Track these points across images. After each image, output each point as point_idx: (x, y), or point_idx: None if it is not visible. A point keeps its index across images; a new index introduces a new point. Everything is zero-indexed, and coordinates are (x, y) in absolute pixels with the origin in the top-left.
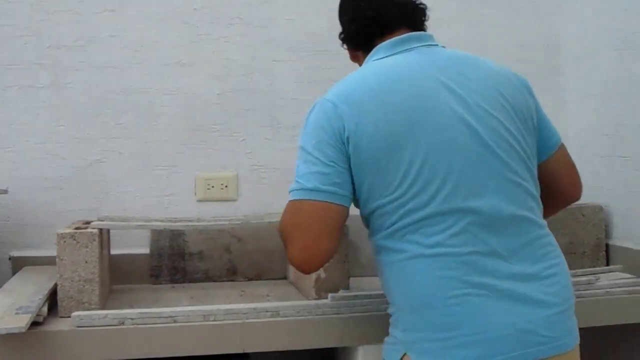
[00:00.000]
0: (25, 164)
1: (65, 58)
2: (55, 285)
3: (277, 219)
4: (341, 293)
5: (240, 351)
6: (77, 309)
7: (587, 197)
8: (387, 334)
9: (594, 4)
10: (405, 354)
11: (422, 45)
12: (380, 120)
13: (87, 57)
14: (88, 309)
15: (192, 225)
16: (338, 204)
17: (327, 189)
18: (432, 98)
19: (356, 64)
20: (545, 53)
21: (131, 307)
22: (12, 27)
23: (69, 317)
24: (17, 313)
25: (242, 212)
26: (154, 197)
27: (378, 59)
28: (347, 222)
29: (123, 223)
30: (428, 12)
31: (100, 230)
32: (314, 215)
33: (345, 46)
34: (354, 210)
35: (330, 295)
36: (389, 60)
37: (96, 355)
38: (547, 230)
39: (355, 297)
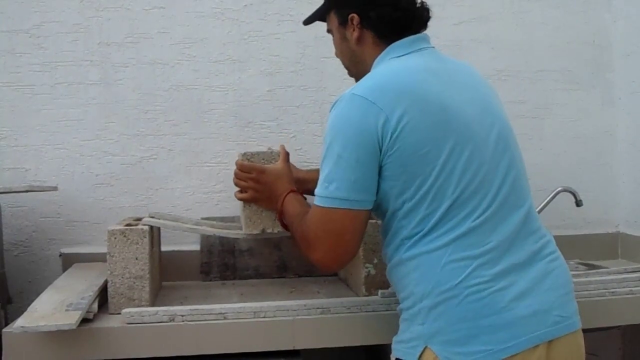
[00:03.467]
0: (74, 160)
1: (115, 55)
2: (106, 282)
3: None
4: (391, 289)
5: (291, 348)
6: (128, 306)
7: (638, 194)
8: None
9: None
10: (426, 347)
11: (429, 47)
12: (417, 115)
13: (136, 54)
14: (138, 306)
15: (242, 234)
16: (366, 210)
17: (357, 198)
18: (459, 99)
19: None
20: (593, 50)
21: (181, 303)
22: (62, 24)
23: (119, 313)
24: (67, 310)
25: None
26: (203, 193)
27: (396, 57)
28: None
29: (174, 223)
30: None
31: (151, 227)
32: (345, 222)
33: (352, 25)
34: None
35: (380, 291)
36: (410, 58)
37: (146, 352)
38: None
39: None
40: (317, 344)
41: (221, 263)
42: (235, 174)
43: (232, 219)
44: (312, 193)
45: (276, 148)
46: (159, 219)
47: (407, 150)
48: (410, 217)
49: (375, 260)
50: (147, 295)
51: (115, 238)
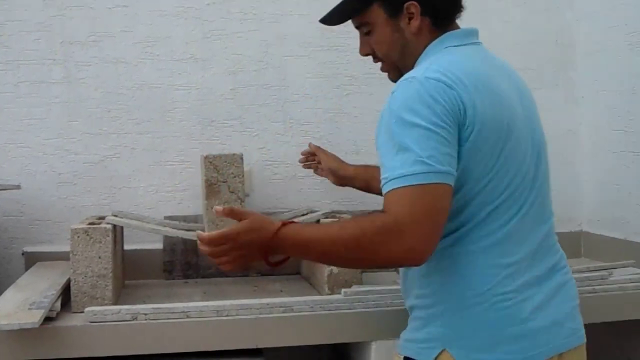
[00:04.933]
0: (37, 159)
1: (78, 53)
2: (69, 280)
3: (289, 214)
4: (354, 288)
5: (253, 346)
6: (91, 304)
7: (601, 193)
8: (401, 328)
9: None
10: (443, 350)
11: (479, 42)
12: (487, 109)
13: (99, 53)
14: (101, 304)
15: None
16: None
17: (450, 172)
18: (515, 101)
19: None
20: (557, 49)
21: (144, 302)
22: (25, 23)
23: (82, 312)
24: (30, 308)
25: (254, 208)
26: (166, 192)
27: (454, 46)
28: None
29: (137, 222)
30: None
31: (114, 225)
32: (445, 200)
33: (409, 14)
34: (366, 206)
35: (343, 290)
36: (468, 50)
37: (109, 350)
38: None
39: (368, 292)
40: (279, 342)
41: (184, 262)
42: (209, 253)
43: (195, 218)
44: (362, 189)
45: (239, 151)
46: (122, 217)
47: (475, 143)
48: (454, 212)
49: None
50: (110, 293)
51: (78, 237)
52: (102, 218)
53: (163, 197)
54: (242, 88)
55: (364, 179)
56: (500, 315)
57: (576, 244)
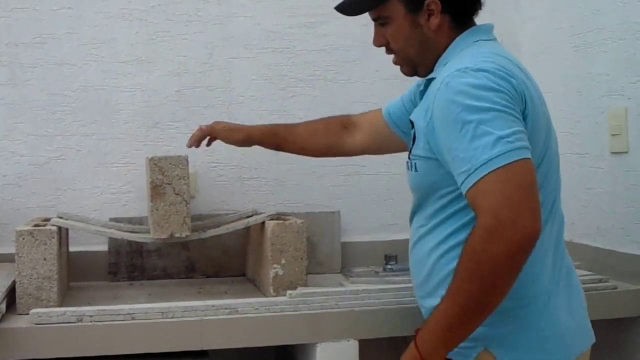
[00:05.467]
0: None
1: (23, 55)
2: (14, 282)
3: (234, 216)
4: (299, 290)
5: (199, 348)
6: (36, 306)
7: None
8: (346, 329)
9: (549, 2)
10: (484, 349)
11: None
12: (538, 101)
13: (44, 54)
14: (46, 306)
15: (150, 239)
16: None
17: (529, 147)
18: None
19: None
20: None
21: (89, 304)
22: None
23: (28, 314)
24: None
25: (199, 210)
26: (111, 194)
27: (485, 40)
28: (305, 220)
29: (82, 224)
30: None
31: (59, 227)
32: (534, 174)
33: (429, 11)
34: (312, 208)
35: (288, 292)
36: (498, 45)
37: (55, 352)
38: None
39: (313, 294)
40: (225, 344)
41: (129, 264)
42: None
43: (140, 220)
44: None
45: (184, 152)
46: (67, 219)
47: (531, 135)
48: None
49: (283, 261)
50: (55, 295)
51: (23, 238)
52: (47, 220)
53: (108, 199)
54: (187, 90)
55: (274, 143)
56: (540, 316)
57: None
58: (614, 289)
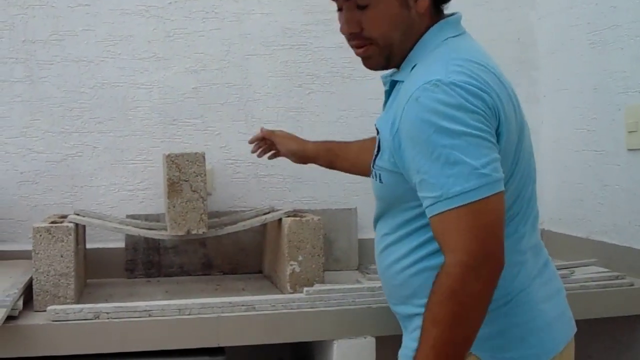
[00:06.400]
0: None
1: (40, 52)
2: (31, 279)
3: (251, 213)
4: (316, 287)
5: (215, 345)
6: (53, 303)
7: (563, 192)
8: (363, 327)
9: None
10: (469, 353)
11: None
12: (508, 105)
13: (61, 51)
14: (63, 303)
15: (167, 235)
16: None
17: (503, 178)
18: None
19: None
20: (518, 47)
21: (106, 301)
22: None
23: (45, 311)
24: None
25: (216, 207)
26: (128, 190)
27: (455, 36)
28: (322, 216)
29: (99, 221)
30: None
31: (76, 224)
32: (504, 206)
33: None
34: (329, 205)
35: (305, 289)
36: (468, 39)
37: (71, 349)
38: None
39: (330, 290)
40: (242, 341)
41: (146, 260)
42: None
43: (157, 217)
44: (326, 167)
45: (201, 149)
46: (84, 216)
47: (504, 148)
48: None
49: (300, 258)
50: (72, 292)
51: (40, 235)
52: (64, 217)
53: (125, 196)
54: (204, 87)
55: (328, 160)
56: (521, 311)
57: None
58: (630, 285)
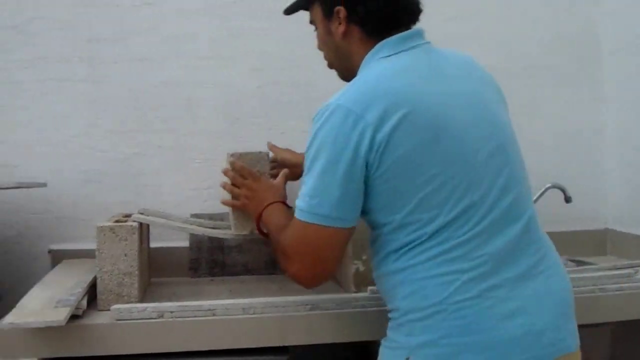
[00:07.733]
0: (63, 157)
1: (104, 51)
2: (95, 278)
3: None
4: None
5: (280, 344)
6: (117, 302)
7: (627, 190)
8: None
9: None
10: (408, 358)
11: (423, 43)
12: (406, 127)
13: (125, 50)
14: (127, 302)
15: (231, 235)
16: (349, 228)
17: (340, 216)
18: (454, 106)
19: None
20: (583, 46)
21: (170, 300)
22: (51, 20)
23: (109, 310)
24: (56, 306)
25: None
26: (192, 190)
27: (386, 57)
28: None
29: (163, 220)
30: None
31: (140, 223)
32: (326, 239)
33: (338, 18)
34: None
35: (369, 288)
36: (400, 58)
37: (135, 349)
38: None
39: None
40: (306, 340)
41: (210, 259)
42: (231, 177)
43: (221, 217)
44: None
45: (264, 149)
46: (148, 215)
47: (394, 166)
48: (397, 233)
49: (364, 257)
50: (136, 291)
51: (104, 234)
52: (128, 216)
53: (189, 195)
54: (268, 86)
55: None
56: (460, 324)
57: (602, 241)
58: None
